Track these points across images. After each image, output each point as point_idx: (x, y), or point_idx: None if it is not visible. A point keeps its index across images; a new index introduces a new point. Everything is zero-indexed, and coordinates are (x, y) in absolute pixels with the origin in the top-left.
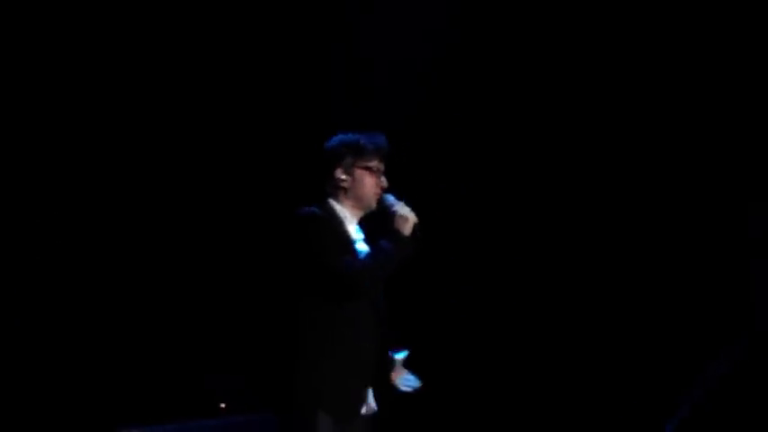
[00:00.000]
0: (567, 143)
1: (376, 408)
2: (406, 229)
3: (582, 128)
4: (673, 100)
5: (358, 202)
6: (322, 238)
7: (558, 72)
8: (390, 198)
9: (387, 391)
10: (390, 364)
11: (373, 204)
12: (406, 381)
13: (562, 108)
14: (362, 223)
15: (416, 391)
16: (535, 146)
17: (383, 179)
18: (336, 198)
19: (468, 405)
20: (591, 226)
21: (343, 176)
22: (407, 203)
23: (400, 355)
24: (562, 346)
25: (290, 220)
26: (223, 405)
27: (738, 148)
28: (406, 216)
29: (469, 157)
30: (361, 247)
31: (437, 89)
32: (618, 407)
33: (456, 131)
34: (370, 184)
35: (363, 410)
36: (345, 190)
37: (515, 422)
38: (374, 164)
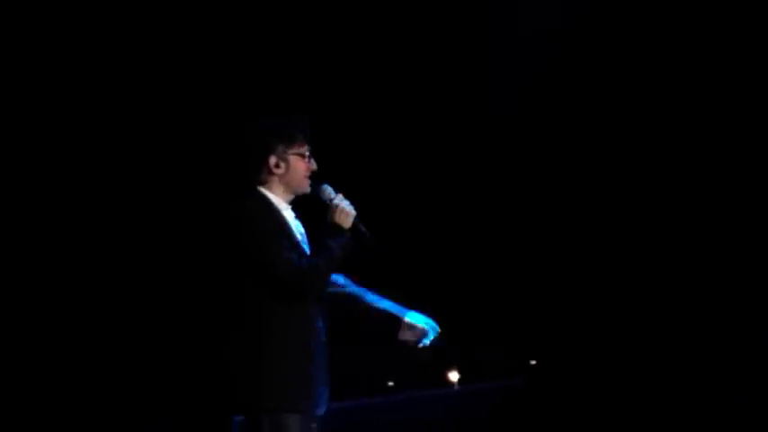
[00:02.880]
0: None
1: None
2: (348, 222)
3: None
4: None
5: (291, 187)
6: (267, 235)
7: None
8: (329, 189)
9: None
10: (396, 322)
11: (306, 188)
12: (423, 335)
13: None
14: (297, 210)
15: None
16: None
17: (312, 162)
18: (268, 186)
19: None
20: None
21: (278, 164)
22: (346, 196)
23: (410, 318)
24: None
25: (230, 216)
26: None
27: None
28: (347, 210)
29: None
30: (300, 234)
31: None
32: None
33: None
34: (302, 169)
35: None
36: (279, 177)
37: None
38: (305, 148)
